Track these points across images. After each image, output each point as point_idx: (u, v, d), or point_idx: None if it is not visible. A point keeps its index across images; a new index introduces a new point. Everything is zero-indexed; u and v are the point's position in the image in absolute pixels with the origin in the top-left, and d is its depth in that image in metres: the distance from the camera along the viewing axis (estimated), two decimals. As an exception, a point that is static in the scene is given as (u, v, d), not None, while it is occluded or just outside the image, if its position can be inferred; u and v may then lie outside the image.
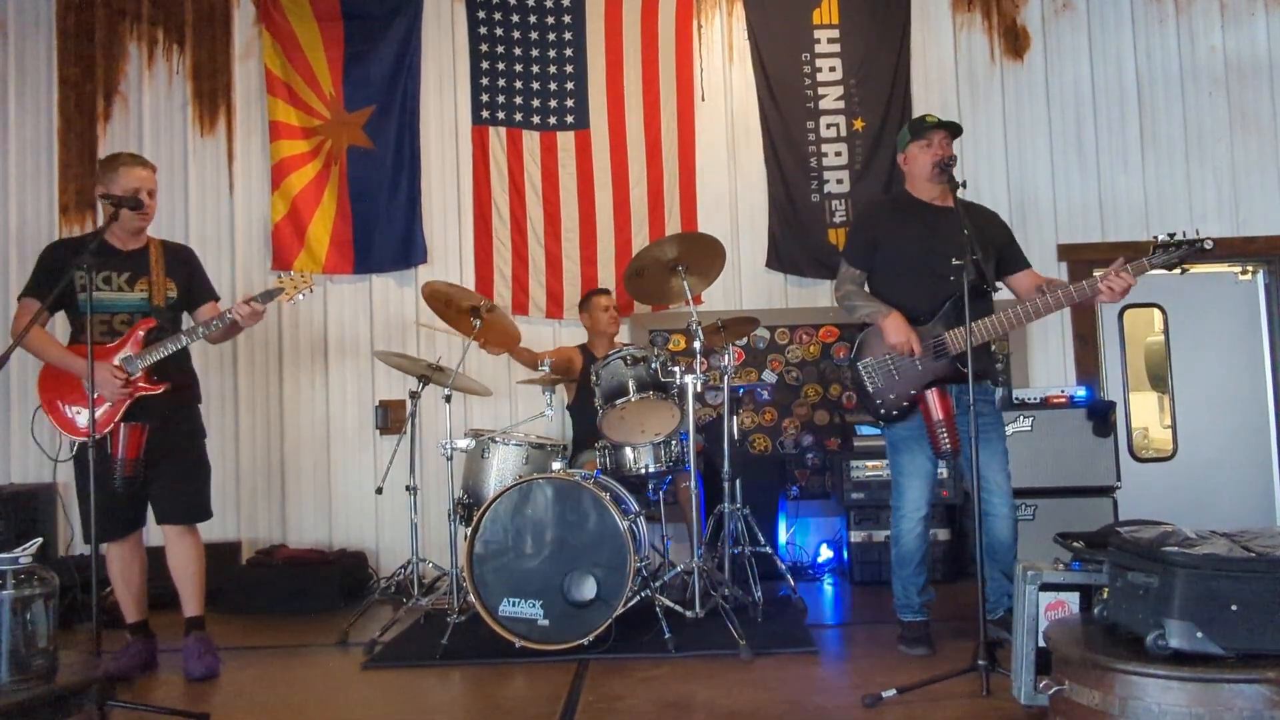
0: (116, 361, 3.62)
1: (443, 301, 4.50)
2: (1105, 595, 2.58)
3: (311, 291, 3.85)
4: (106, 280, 3.71)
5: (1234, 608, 2.21)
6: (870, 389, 3.75)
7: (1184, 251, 3.34)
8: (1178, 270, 3.41)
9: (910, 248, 3.73)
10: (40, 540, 2.70)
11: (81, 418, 3.62)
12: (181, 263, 3.90)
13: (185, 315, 3.95)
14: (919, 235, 3.72)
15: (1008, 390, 5.32)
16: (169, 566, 3.82)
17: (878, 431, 5.09)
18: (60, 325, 3.89)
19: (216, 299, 4.00)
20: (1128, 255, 3.50)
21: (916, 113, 5.73)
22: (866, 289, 3.86)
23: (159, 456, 3.68)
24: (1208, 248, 3.32)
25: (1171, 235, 3.35)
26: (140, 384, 3.65)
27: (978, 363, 3.49)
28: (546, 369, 4.44)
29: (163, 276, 3.78)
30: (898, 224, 3.82)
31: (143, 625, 3.85)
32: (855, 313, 3.83)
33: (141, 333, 3.68)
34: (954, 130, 3.78)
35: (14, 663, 2.48)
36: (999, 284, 3.70)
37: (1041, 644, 2.72)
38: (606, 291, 5.29)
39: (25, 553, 2.56)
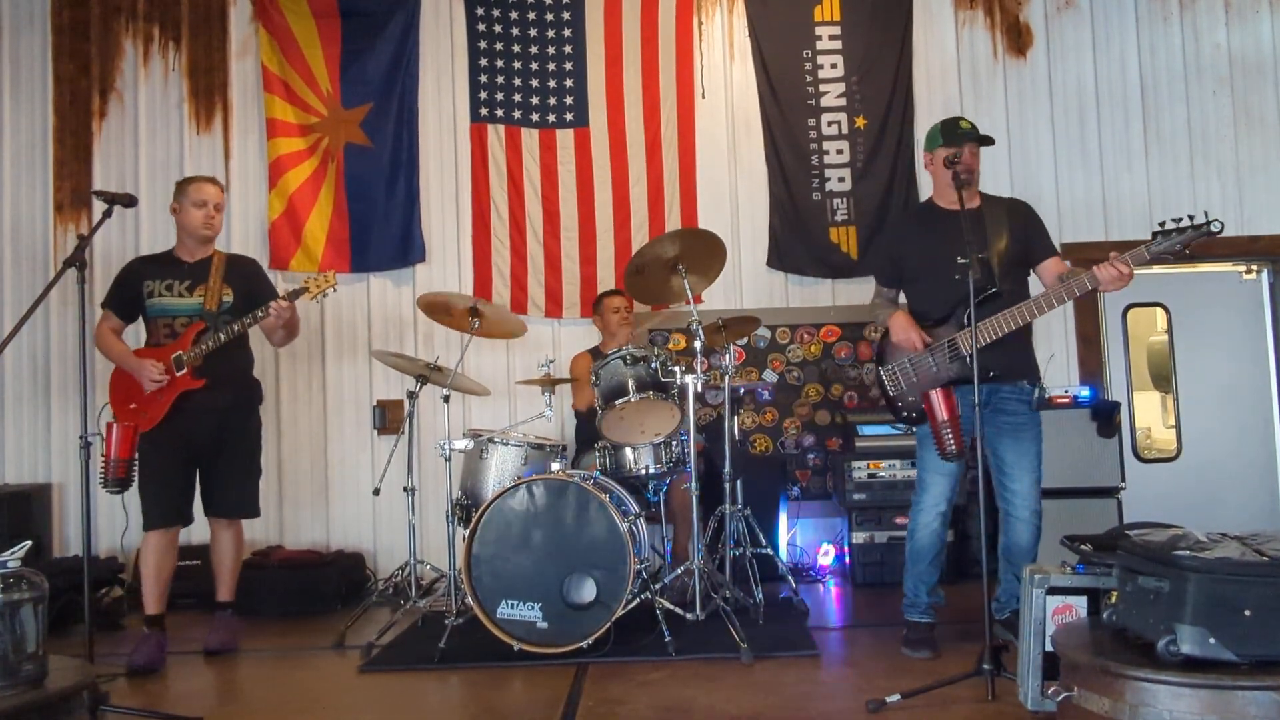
0: (171, 359, 4.00)
1: (443, 309, 4.48)
2: (1114, 599, 2.53)
3: (335, 290, 4.19)
4: (169, 288, 4.12)
5: (1247, 613, 2.17)
6: (892, 392, 3.82)
7: (1189, 235, 3.19)
8: (1185, 258, 3.23)
9: (927, 255, 3.75)
10: (29, 543, 2.66)
11: (137, 410, 3.99)
12: (243, 271, 4.27)
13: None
14: (935, 241, 3.70)
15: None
16: (211, 554, 4.26)
17: (880, 431, 5.08)
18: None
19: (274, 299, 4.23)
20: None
21: (919, 110, 5.71)
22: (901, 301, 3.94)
23: (214, 454, 4.10)
24: (1215, 230, 3.16)
25: (1178, 220, 3.22)
26: (183, 379, 3.99)
27: (1011, 360, 3.58)
28: (548, 369, 4.40)
29: (220, 283, 4.13)
30: (916, 235, 3.88)
31: (160, 619, 4.00)
32: (878, 321, 3.94)
33: (194, 333, 4.03)
34: (987, 142, 3.72)
35: (2, 668, 2.44)
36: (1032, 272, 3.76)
37: (1049, 648, 2.68)
38: (619, 292, 5.23)
39: (14, 556, 2.52)
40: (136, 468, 3.57)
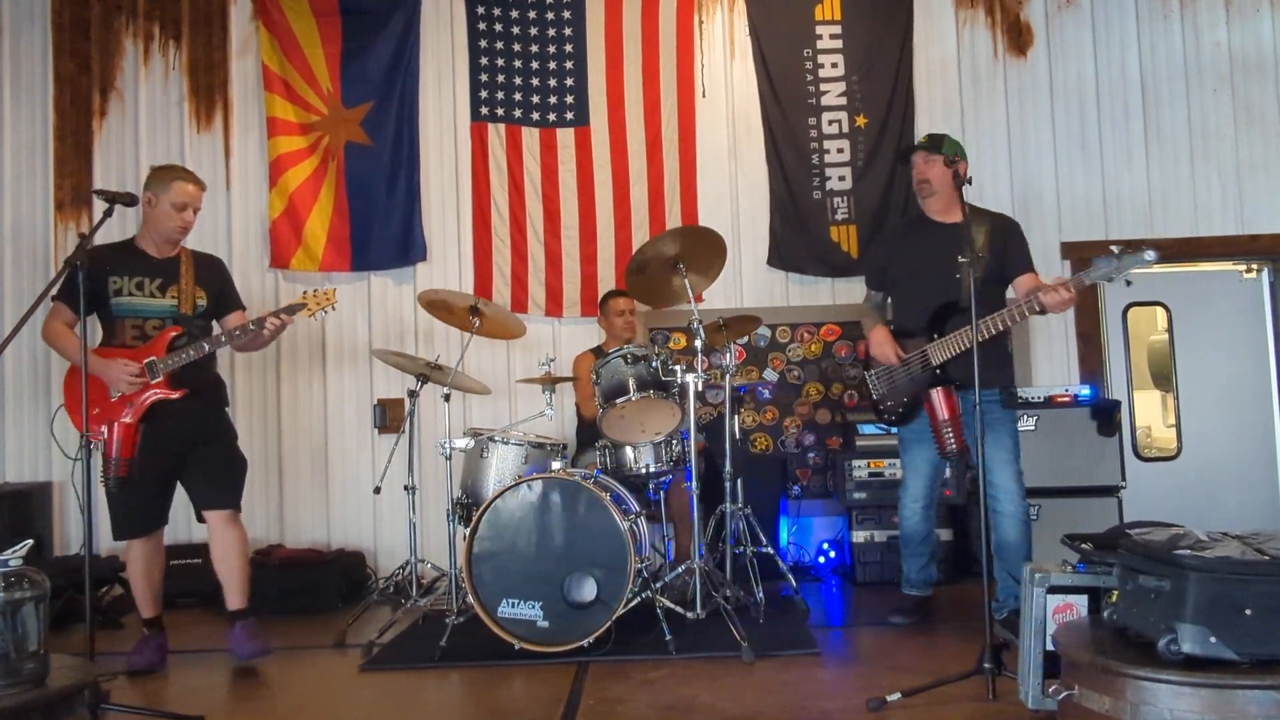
0: (143, 364, 3.70)
1: (444, 307, 4.49)
2: (1114, 598, 2.53)
3: (335, 309, 3.98)
4: (139, 285, 3.80)
5: (1248, 612, 2.17)
6: (875, 395, 4.10)
7: (1123, 263, 3.30)
8: (1124, 283, 3.36)
9: (908, 266, 4.04)
10: (31, 542, 2.66)
11: (100, 416, 3.66)
12: (213, 272, 4.00)
13: (215, 324, 4.01)
14: (916, 253, 4.00)
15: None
16: (213, 558, 3.91)
17: (880, 430, 5.08)
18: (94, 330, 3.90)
19: (243, 309, 4.09)
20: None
21: (919, 109, 5.73)
22: (889, 305, 4.20)
23: (192, 456, 3.82)
24: (1148, 259, 3.27)
25: (1116, 250, 3.33)
26: (158, 388, 3.70)
27: (981, 370, 3.61)
28: (548, 368, 4.40)
29: (192, 285, 3.85)
30: (901, 245, 4.15)
31: (158, 620, 3.92)
32: (864, 328, 4.20)
33: (168, 338, 3.75)
34: (926, 146, 4.00)
35: (3, 667, 2.43)
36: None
37: (1049, 647, 2.68)
38: (625, 294, 5.15)
39: (15, 554, 2.51)
40: (137, 466, 3.56)
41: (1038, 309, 3.61)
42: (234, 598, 3.88)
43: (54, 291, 3.71)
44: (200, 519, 3.92)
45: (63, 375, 5.50)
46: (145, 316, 3.79)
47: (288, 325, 3.84)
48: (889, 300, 4.22)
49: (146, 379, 3.69)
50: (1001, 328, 3.69)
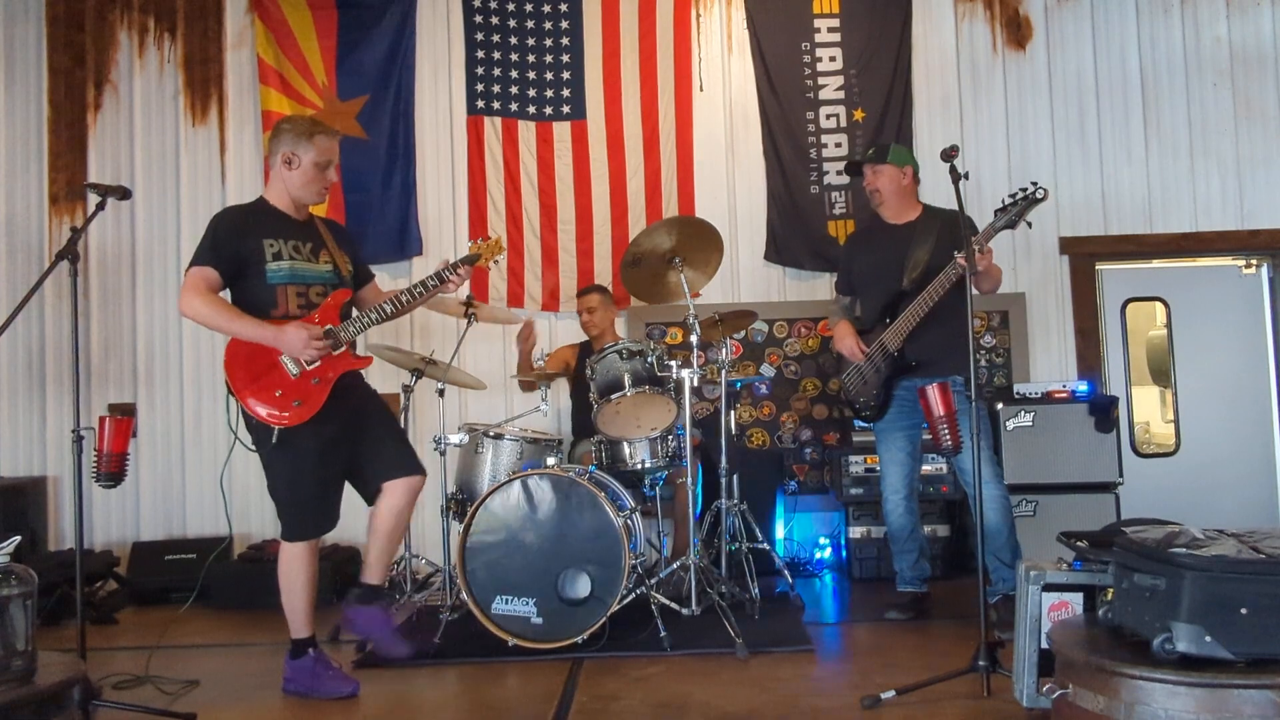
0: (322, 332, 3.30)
1: (437, 304, 4.46)
2: (1110, 596, 2.52)
3: (504, 256, 3.93)
4: (295, 249, 3.36)
5: (1243, 611, 2.15)
6: (847, 396, 4.32)
7: (1020, 206, 3.59)
8: (1026, 224, 3.65)
9: (868, 267, 4.25)
10: (18, 538, 2.64)
11: (285, 397, 3.24)
12: (346, 238, 3.68)
13: None
14: (872, 254, 4.24)
15: (1008, 383, 5.30)
16: (379, 530, 3.51)
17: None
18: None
19: (374, 277, 3.78)
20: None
21: (917, 103, 5.70)
22: (858, 309, 4.34)
23: (366, 430, 3.46)
24: (1040, 197, 3.56)
25: (1013, 195, 3.63)
26: (344, 357, 3.35)
27: (933, 353, 3.93)
28: (542, 363, 4.39)
29: (338, 250, 3.48)
30: (862, 249, 4.37)
31: (314, 639, 3.52)
32: (831, 326, 4.36)
33: (341, 303, 3.39)
34: (872, 158, 4.24)
35: (-10, 664, 2.42)
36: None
37: (1044, 645, 2.66)
38: (594, 291, 5.15)
39: (3, 551, 2.50)
40: (129, 462, 3.52)
41: (954, 276, 3.76)
42: (379, 571, 3.56)
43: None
44: (373, 496, 3.52)
45: (55, 369, 5.61)
46: (309, 282, 3.36)
47: (466, 280, 3.56)
48: (857, 303, 4.36)
49: (335, 355, 3.31)
50: (937, 297, 3.85)
